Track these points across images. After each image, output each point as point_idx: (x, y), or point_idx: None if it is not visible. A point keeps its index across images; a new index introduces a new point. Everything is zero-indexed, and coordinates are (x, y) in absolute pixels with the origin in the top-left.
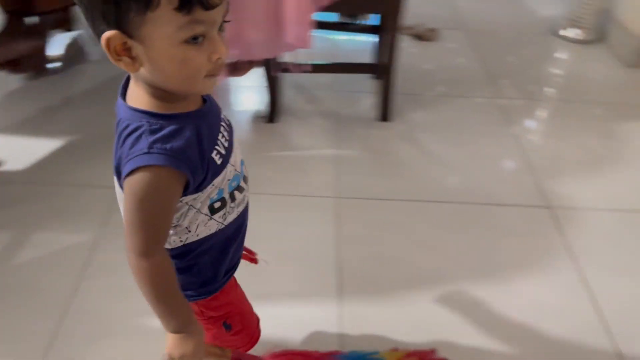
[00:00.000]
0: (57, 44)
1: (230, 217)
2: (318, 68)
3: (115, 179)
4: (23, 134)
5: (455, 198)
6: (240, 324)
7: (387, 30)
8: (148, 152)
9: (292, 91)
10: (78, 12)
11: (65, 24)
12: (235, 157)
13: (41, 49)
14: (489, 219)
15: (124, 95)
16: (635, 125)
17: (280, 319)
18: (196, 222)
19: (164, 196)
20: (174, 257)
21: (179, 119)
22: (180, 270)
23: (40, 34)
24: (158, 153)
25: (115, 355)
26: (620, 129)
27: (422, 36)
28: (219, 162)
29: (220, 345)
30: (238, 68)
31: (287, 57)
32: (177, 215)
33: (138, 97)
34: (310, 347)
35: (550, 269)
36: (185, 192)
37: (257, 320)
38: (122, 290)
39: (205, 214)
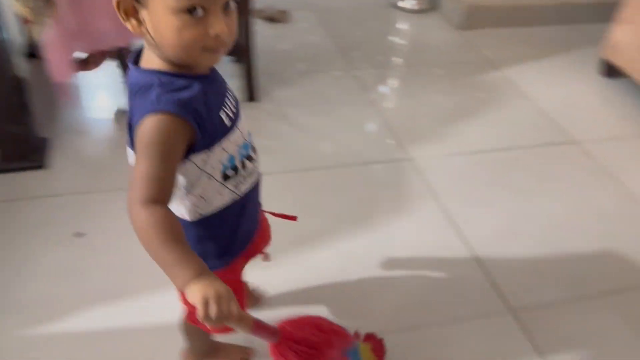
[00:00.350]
0: None
1: (243, 187)
2: None
3: (128, 145)
4: None
5: (328, 163)
6: (241, 306)
7: (239, 13)
8: (156, 101)
9: None
10: None
11: None
12: (243, 126)
13: None
14: (361, 177)
15: (136, 64)
16: (471, 79)
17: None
18: (209, 190)
19: (168, 142)
20: (189, 232)
21: (188, 78)
22: (200, 241)
23: None
24: (165, 101)
25: None
26: (460, 84)
27: (274, 18)
28: (228, 123)
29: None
30: (89, 61)
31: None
32: (191, 180)
33: (150, 60)
34: None
35: (420, 211)
36: (195, 149)
37: None
38: None
39: (219, 182)
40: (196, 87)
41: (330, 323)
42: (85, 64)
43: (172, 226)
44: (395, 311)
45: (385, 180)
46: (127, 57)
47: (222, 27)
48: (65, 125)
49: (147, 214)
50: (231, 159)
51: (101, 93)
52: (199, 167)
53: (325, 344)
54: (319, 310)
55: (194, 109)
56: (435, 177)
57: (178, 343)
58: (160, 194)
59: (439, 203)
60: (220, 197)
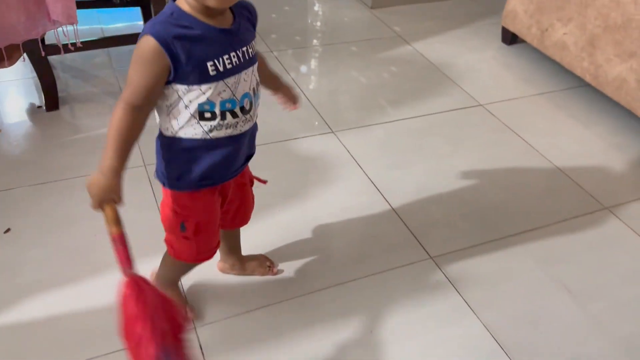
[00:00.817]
0: None
1: (217, 134)
2: (89, 44)
3: None
4: None
5: (258, 141)
6: (193, 234)
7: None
8: (151, 25)
9: (67, 75)
10: None
11: None
12: (240, 86)
13: None
14: (290, 152)
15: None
16: (384, 54)
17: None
18: (183, 118)
19: (147, 60)
20: (163, 146)
21: (195, 23)
22: (163, 154)
23: None
24: (157, 28)
25: None
26: (374, 60)
27: None
28: (212, 73)
29: (172, 246)
30: (3, 58)
31: (52, 40)
32: (171, 102)
33: (182, 1)
34: None
35: (346, 178)
36: (172, 78)
37: (215, 245)
38: None
39: (193, 115)
40: (195, 32)
41: (171, 320)
42: None
43: (129, 128)
44: (332, 268)
45: (311, 153)
46: (41, 50)
47: None
48: None
49: (120, 110)
50: (211, 104)
51: (14, 89)
52: (178, 95)
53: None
54: (255, 278)
55: (173, 46)
56: (356, 146)
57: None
58: (137, 100)
59: (361, 169)
60: (192, 129)
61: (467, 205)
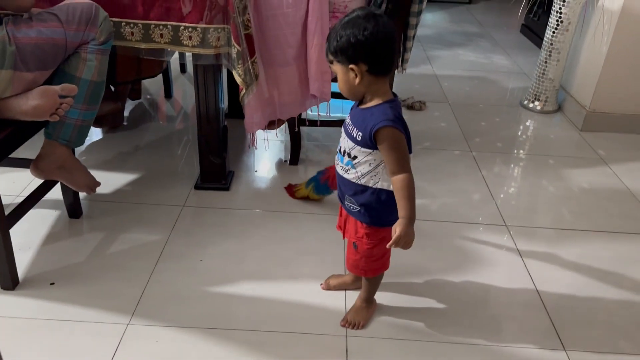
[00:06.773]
0: (129, 108)
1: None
2: (328, 122)
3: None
4: (106, 170)
5: (435, 217)
6: (380, 256)
7: None
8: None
9: (309, 143)
10: (144, 84)
11: (136, 94)
12: (341, 145)
13: (119, 110)
14: (462, 233)
15: None
16: (579, 170)
17: None
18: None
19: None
20: (378, 196)
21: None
22: (385, 205)
23: (119, 99)
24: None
25: (188, 312)
26: (567, 174)
27: (413, 106)
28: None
29: (379, 269)
30: (272, 123)
31: (305, 115)
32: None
33: None
34: None
35: (504, 265)
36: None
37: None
38: (186, 270)
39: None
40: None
41: None
42: (270, 125)
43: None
44: (474, 329)
45: (479, 238)
46: (296, 122)
47: None
48: (245, 164)
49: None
50: None
51: (273, 145)
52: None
53: None
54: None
55: None
56: (525, 243)
57: (298, 314)
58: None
59: (524, 261)
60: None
61: (623, 313)
